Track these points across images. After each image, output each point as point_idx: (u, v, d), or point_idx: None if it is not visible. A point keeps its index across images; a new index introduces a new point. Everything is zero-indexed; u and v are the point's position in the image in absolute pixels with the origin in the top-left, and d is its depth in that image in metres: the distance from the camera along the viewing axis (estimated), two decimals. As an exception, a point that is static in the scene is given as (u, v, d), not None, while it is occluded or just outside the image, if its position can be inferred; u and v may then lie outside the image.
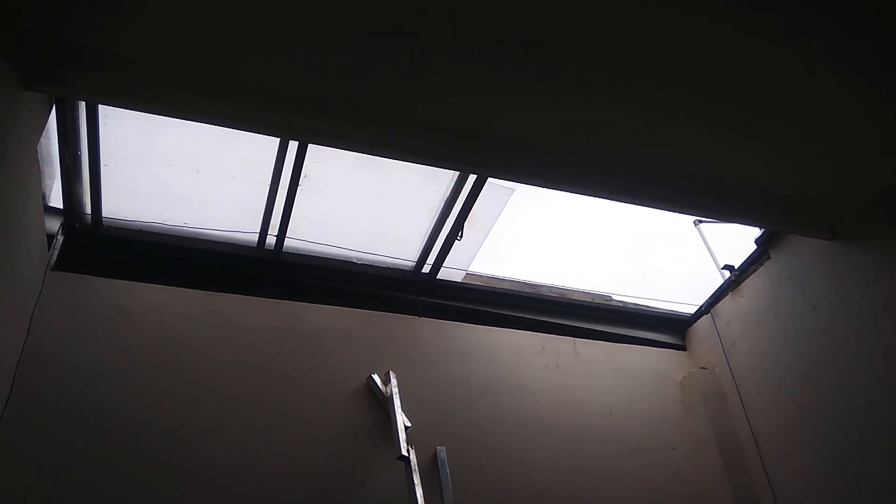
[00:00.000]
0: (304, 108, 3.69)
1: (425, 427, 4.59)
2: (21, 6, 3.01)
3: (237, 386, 4.38)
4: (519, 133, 3.94)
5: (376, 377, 4.68)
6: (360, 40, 3.33)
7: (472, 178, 4.43)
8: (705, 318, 5.69)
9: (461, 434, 4.69)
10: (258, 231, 4.83)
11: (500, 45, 3.34)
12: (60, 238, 4.47)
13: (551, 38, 3.29)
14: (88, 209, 4.52)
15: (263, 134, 3.97)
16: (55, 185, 4.35)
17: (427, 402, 4.73)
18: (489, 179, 4.44)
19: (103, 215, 4.56)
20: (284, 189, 4.47)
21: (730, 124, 3.84)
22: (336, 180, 4.61)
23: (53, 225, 4.45)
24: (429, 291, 5.34)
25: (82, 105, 3.87)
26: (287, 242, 4.90)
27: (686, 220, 5.51)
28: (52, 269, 4.34)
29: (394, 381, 4.61)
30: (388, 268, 5.26)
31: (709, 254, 5.58)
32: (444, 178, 4.58)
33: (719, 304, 5.58)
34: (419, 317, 5.20)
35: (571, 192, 4.25)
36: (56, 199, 4.45)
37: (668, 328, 5.94)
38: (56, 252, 4.41)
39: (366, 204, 4.87)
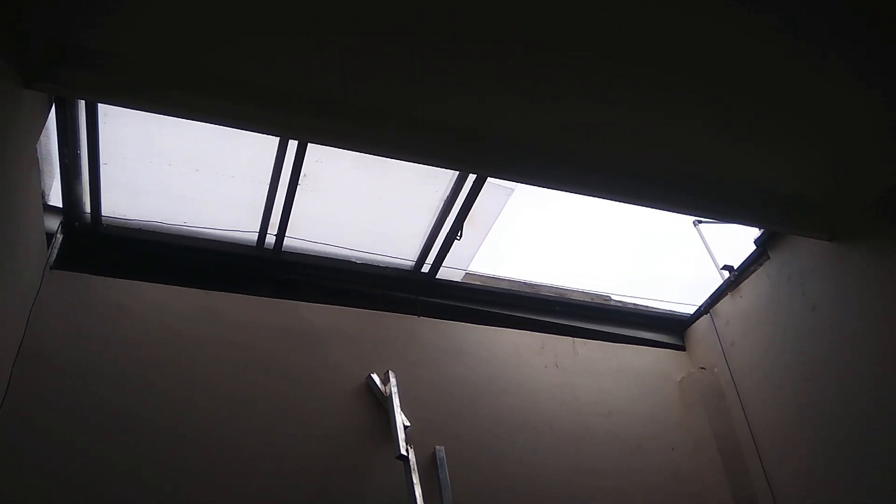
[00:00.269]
0: (304, 107, 3.69)
1: (424, 426, 4.58)
2: (21, 5, 3.00)
3: (236, 385, 4.38)
4: (519, 133, 3.94)
5: (375, 376, 4.68)
6: (360, 40, 3.33)
7: (471, 177, 4.43)
8: (704, 319, 5.69)
9: (460, 433, 4.69)
10: (258, 230, 4.83)
11: (500, 45, 3.34)
12: (59, 237, 4.46)
13: (551, 38, 3.29)
14: (88, 208, 4.51)
15: (263, 133, 3.97)
16: (54, 183, 4.35)
17: (426, 402, 4.73)
18: (489, 179, 4.44)
19: (102, 214, 4.55)
20: (284, 188, 4.46)
21: (729, 124, 3.84)
22: (335, 180, 4.61)
23: (53, 223, 4.44)
24: (428, 291, 5.34)
25: (82, 104, 3.86)
26: (286, 242, 4.90)
27: (685, 221, 5.52)
28: (51, 268, 4.33)
29: (393, 380, 4.61)
30: (388, 267, 5.26)
31: (708, 254, 5.59)
32: (443, 178, 4.58)
33: (718, 304, 5.58)
34: (418, 316, 5.20)
35: (571, 191, 4.25)
36: (55, 198, 4.45)
37: (668, 328, 5.94)
38: (55, 251, 4.40)
39: (365, 203, 4.87)
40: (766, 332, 5.00)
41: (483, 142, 3.94)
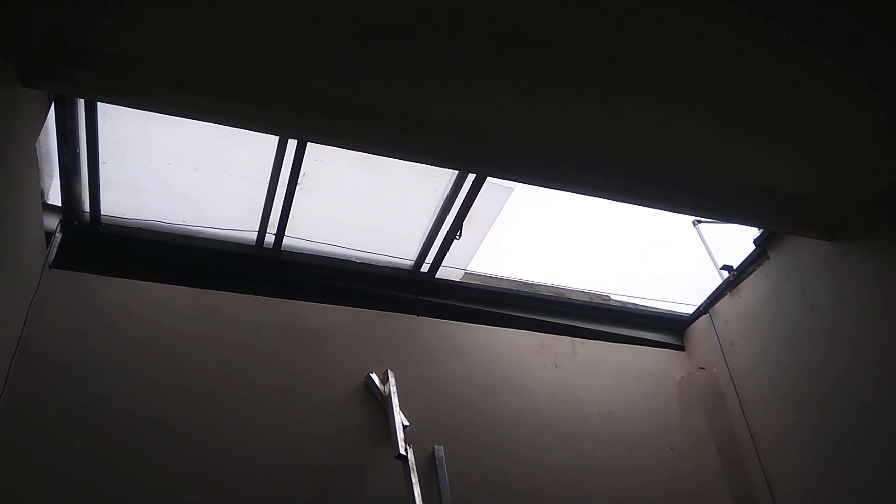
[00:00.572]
0: (304, 106, 3.69)
1: (423, 426, 4.58)
2: (21, 4, 3.00)
3: (235, 384, 4.38)
4: (519, 133, 3.94)
5: (374, 376, 4.68)
6: (360, 40, 3.33)
7: (471, 177, 4.43)
8: (704, 318, 5.69)
9: (459, 433, 4.69)
10: (257, 229, 4.83)
11: (500, 45, 3.34)
12: (59, 235, 4.46)
13: (551, 38, 3.29)
14: (87, 207, 4.51)
15: (262, 132, 3.97)
16: (54, 182, 4.34)
17: (425, 401, 4.73)
18: (488, 178, 4.43)
19: (102, 213, 4.55)
20: (283, 187, 4.46)
21: (729, 124, 3.84)
22: (335, 179, 4.61)
23: (52, 222, 4.44)
24: (427, 290, 5.33)
25: (81, 103, 3.86)
26: (286, 241, 4.90)
27: (685, 220, 5.51)
28: (50, 267, 4.33)
29: (392, 379, 4.61)
30: (387, 266, 5.25)
31: (707, 254, 5.58)
32: (443, 177, 4.57)
33: (718, 304, 5.58)
34: (418, 316, 5.20)
35: (571, 191, 4.26)
36: (55, 197, 4.44)
37: (667, 328, 5.94)
38: (54, 249, 4.40)
39: (365, 202, 4.86)
40: (765, 332, 5.00)
41: (483, 141, 3.94)
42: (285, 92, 3.65)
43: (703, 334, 5.66)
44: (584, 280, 5.94)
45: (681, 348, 5.87)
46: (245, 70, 3.55)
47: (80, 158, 4.15)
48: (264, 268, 4.99)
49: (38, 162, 3.93)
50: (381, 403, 4.57)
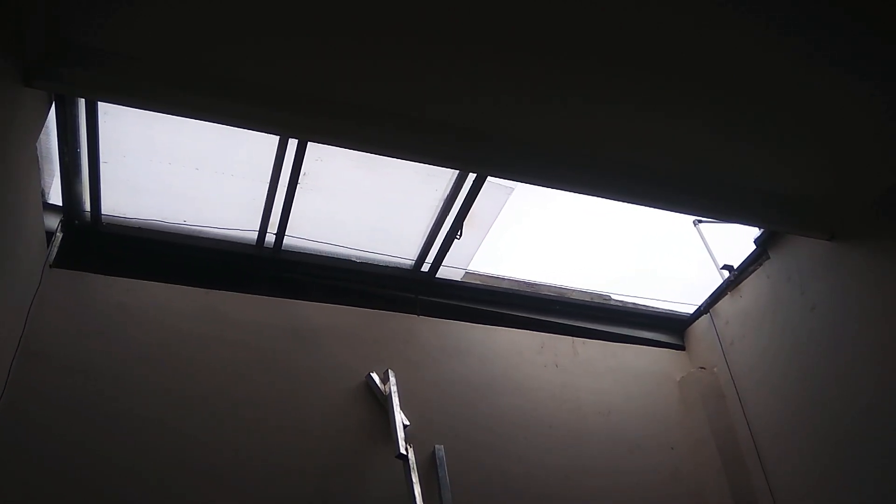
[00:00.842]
0: (304, 106, 3.69)
1: (424, 425, 4.59)
2: (21, 4, 3.00)
3: (235, 383, 4.38)
4: (519, 133, 3.94)
5: (375, 375, 4.68)
6: (360, 40, 3.33)
7: (471, 176, 4.43)
8: (704, 318, 5.69)
9: (460, 433, 4.69)
10: (257, 229, 4.83)
11: (499, 46, 3.34)
12: (59, 235, 4.46)
13: (551, 38, 3.29)
14: (88, 206, 4.52)
15: (263, 132, 3.98)
16: (54, 182, 4.35)
17: (426, 401, 4.73)
18: (488, 178, 4.43)
19: (102, 212, 4.55)
20: (284, 187, 4.46)
21: (729, 125, 3.84)
22: (335, 178, 4.61)
23: (52, 222, 4.44)
24: (428, 290, 5.33)
25: (82, 102, 3.86)
26: (286, 240, 4.90)
27: (685, 220, 5.51)
28: (50, 266, 4.33)
29: (392, 379, 4.61)
30: (388, 266, 5.26)
31: (708, 254, 5.58)
32: (443, 177, 4.57)
33: (718, 303, 5.58)
34: (418, 315, 5.20)
35: (571, 191, 4.26)
36: (55, 197, 4.45)
37: (667, 328, 5.94)
38: (55, 249, 4.40)
39: (365, 202, 4.87)
40: (765, 332, 5.00)
41: (483, 141, 3.94)
42: (286, 92, 3.65)
43: (704, 334, 5.66)
44: (585, 280, 5.95)
45: (681, 348, 5.86)
46: (245, 70, 3.56)
47: (80, 158, 4.16)
48: (265, 267, 4.99)
49: (38, 161, 3.93)
50: (382, 403, 4.57)
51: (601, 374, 5.42)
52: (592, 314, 5.79)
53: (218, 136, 4.17)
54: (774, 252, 5.04)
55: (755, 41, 3.29)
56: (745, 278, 5.31)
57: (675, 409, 5.43)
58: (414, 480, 4.08)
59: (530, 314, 5.55)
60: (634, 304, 6.04)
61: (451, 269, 5.34)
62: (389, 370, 4.68)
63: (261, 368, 4.50)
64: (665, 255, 6.10)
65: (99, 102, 3.84)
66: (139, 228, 4.70)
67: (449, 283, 5.42)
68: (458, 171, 4.45)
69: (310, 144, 4.17)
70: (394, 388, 4.54)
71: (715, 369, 5.43)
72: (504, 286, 5.72)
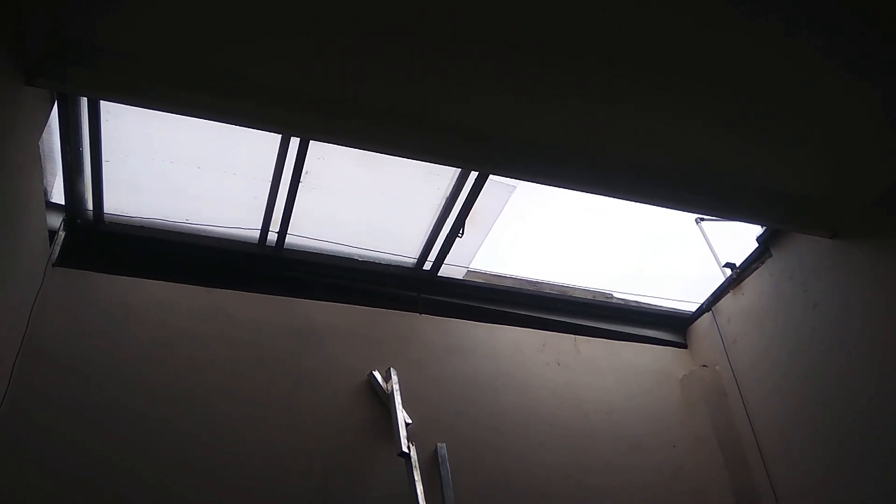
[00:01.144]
0: (306, 105, 3.69)
1: (426, 424, 4.59)
2: (23, 3, 3.00)
3: (238, 382, 4.39)
4: (520, 132, 3.94)
5: (377, 374, 4.69)
6: (360, 40, 3.33)
7: (473, 175, 4.43)
8: (706, 316, 5.69)
9: (462, 431, 4.69)
10: (260, 227, 4.83)
11: (500, 46, 3.34)
12: (62, 234, 4.47)
13: (551, 38, 3.29)
14: (90, 205, 4.52)
15: (265, 131, 3.98)
16: (57, 181, 4.37)
17: (428, 399, 4.74)
18: (490, 176, 4.43)
19: (105, 211, 4.56)
20: (286, 186, 4.46)
21: (730, 124, 3.84)
22: (337, 177, 4.61)
23: (55, 221, 4.45)
24: (430, 288, 5.33)
25: (84, 101, 3.87)
26: (288, 239, 4.90)
27: (687, 218, 5.51)
28: (53, 265, 4.34)
29: (395, 377, 4.62)
30: (390, 265, 5.26)
31: (710, 252, 5.58)
32: (445, 175, 4.57)
33: (720, 301, 5.58)
34: (420, 314, 5.20)
35: (573, 189, 4.26)
36: (58, 195, 4.47)
37: (669, 326, 5.93)
38: (58, 248, 4.41)
39: (367, 201, 4.87)
40: (767, 330, 5.00)
41: (484, 140, 3.94)
42: (288, 90, 3.65)
43: (706, 332, 5.65)
44: (587, 278, 5.95)
45: (683, 346, 5.86)
46: (246, 69, 3.56)
47: (83, 157, 4.16)
48: (267, 266, 4.99)
49: (41, 160, 3.94)
50: (384, 401, 4.58)
51: (603, 373, 5.42)
52: (594, 312, 5.79)
53: (220, 134, 4.17)
54: (777, 250, 5.04)
55: (755, 41, 3.28)
56: (748, 276, 5.30)
57: (677, 408, 5.42)
58: (416, 479, 4.08)
59: (532, 312, 5.54)
60: (636, 302, 6.04)
61: (453, 268, 5.34)
62: (391, 368, 4.68)
63: (263, 367, 4.51)
64: (667, 254, 6.10)
65: (101, 101, 3.85)
66: (141, 227, 4.70)
67: (451, 282, 5.42)
68: (459, 170, 4.45)
69: (312, 143, 4.17)
70: (396, 387, 4.55)
71: (717, 367, 5.42)
72: (506, 284, 5.72)
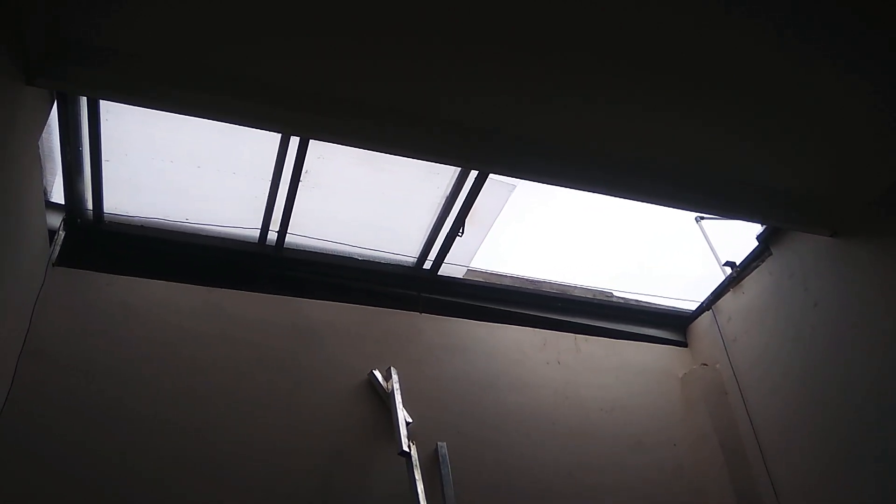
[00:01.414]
0: (306, 104, 3.69)
1: (426, 423, 4.60)
2: (22, 3, 3.00)
3: (238, 381, 4.39)
4: (520, 132, 3.94)
5: (377, 373, 4.69)
6: (360, 40, 3.33)
7: (473, 174, 4.42)
8: (706, 315, 5.69)
9: (462, 430, 4.70)
10: (259, 227, 4.83)
11: (500, 46, 3.34)
12: (62, 233, 4.47)
13: (551, 38, 3.29)
14: (90, 205, 4.53)
15: (265, 130, 3.98)
16: (57, 180, 4.37)
17: (428, 398, 4.74)
18: (490, 175, 4.43)
19: (105, 211, 4.57)
20: (286, 185, 4.46)
21: (730, 123, 3.84)
22: (337, 176, 4.61)
23: (55, 220, 4.46)
24: (430, 287, 5.33)
25: (84, 101, 3.87)
26: (288, 238, 4.90)
27: (687, 217, 5.51)
28: (53, 265, 4.34)
29: (395, 376, 4.62)
30: (390, 264, 5.26)
31: (710, 250, 5.57)
32: (445, 174, 4.57)
33: (721, 300, 5.58)
34: (420, 313, 5.20)
35: (573, 188, 4.26)
36: (58, 195, 4.47)
37: (670, 324, 5.93)
38: (57, 247, 4.41)
39: (367, 200, 4.86)
40: (768, 329, 5.00)
41: (485, 140, 3.94)
42: (287, 89, 3.65)
43: (706, 331, 5.66)
44: (587, 277, 5.95)
45: (683, 345, 5.86)
46: (247, 68, 3.56)
47: (82, 156, 4.17)
48: (267, 265, 5.00)
49: (40, 160, 3.94)
50: (385, 400, 4.58)
51: (603, 371, 5.42)
52: (595, 311, 5.79)
53: (220, 134, 4.17)
54: (777, 248, 5.04)
55: (755, 41, 3.28)
56: (748, 275, 5.30)
57: (678, 406, 5.42)
58: (416, 477, 4.09)
59: (533, 311, 5.54)
60: (637, 300, 6.04)
61: (453, 267, 5.34)
62: (392, 367, 4.69)
63: (263, 366, 4.51)
64: (667, 252, 6.10)
65: (101, 101, 3.85)
66: (141, 227, 4.71)
67: (451, 281, 5.42)
68: (460, 169, 4.45)
69: (311, 142, 4.17)
70: (396, 386, 4.55)
71: (717, 366, 5.43)
72: (506, 283, 5.72)
